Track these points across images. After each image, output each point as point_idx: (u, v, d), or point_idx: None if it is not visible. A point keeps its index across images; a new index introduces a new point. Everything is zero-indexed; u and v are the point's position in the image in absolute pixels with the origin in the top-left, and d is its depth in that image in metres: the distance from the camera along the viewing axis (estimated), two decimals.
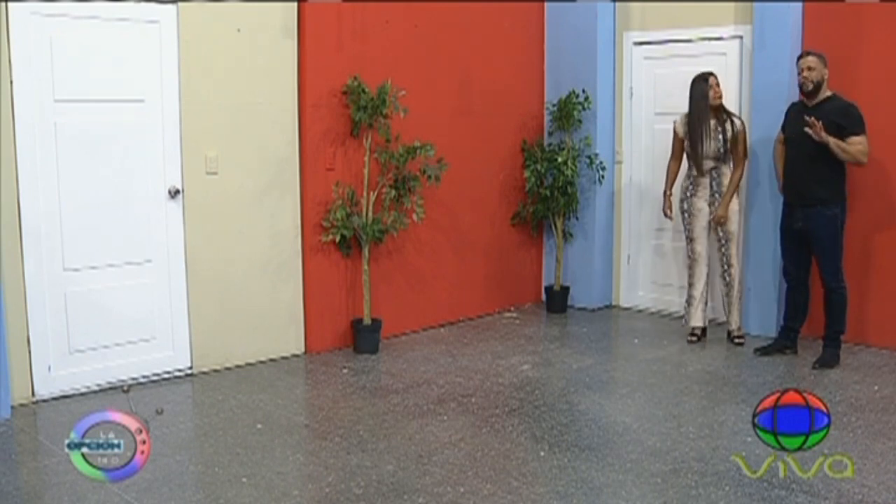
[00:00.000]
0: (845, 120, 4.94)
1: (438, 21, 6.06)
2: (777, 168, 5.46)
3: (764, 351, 5.44)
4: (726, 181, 5.59)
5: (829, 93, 5.06)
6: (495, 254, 6.70)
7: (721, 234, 5.67)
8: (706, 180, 5.66)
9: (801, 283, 5.34)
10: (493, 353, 5.59)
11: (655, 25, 6.48)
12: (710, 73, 5.56)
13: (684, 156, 5.76)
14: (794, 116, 5.15)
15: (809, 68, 4.98)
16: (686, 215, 5.80)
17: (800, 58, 5.10)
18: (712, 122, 5.56)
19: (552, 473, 3.69)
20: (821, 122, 4.86)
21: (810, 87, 4.99)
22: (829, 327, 5.23)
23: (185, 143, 4.95)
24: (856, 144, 4.93)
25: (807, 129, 4.89)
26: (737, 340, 5.68)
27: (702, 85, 5.53)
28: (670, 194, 5.86)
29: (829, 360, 5.19)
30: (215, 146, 5.06)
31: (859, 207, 5.51)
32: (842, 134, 4.92)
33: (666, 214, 5.91)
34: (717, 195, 5.63)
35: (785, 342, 5.43)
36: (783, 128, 5.34)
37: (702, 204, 5.70)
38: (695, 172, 5.69)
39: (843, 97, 5.07)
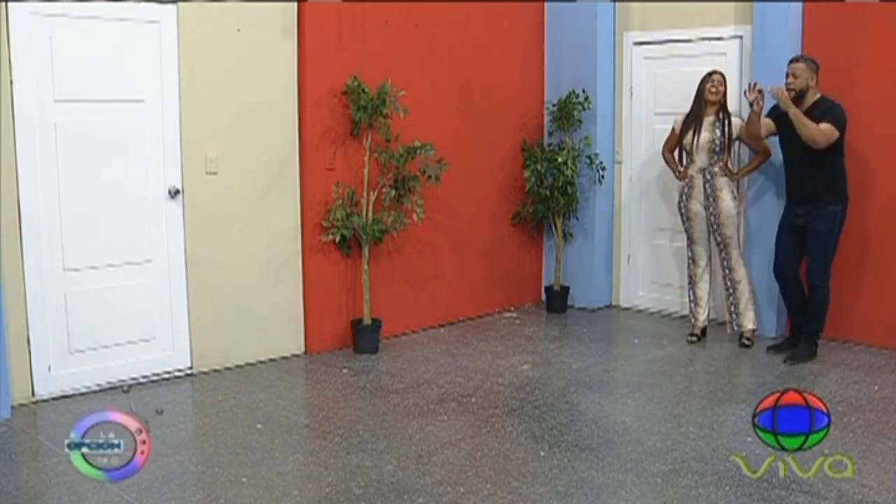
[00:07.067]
0: (822, 116, 4.99)
1: (438, 21, 6.06)
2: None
3: (777, 349, 5.46)
4: (720, 183, 5.60)
5: (817, 96, 5.11)
6: (495, 254, 6.70)
7: (719, 238, 5.67)
8: (700, 181, 5.66)
9: (793, 280, 5.38)
10: (493, 353, 5.59)
11: (655, 25, 6.48)
12: (716, 71, 5.59)
13: (678, 151, 5.81)
14: (788, 120, 5.10)
15: (794, 76, 5.06)
16: (684, 218, 5.82)
17: (790, 62, 5.16)
18: (710, 117, 5.59)
19: (552, 473, 3.69)
20: (786, 92, 5.04)
21: (793, 94, 5.06)
22: (806, 323, 5.34)
23: (185, 143, 4.95)
24: (819, 125, 4.96)
25: (771, 91, 5.06)
26: (745, 342, 5.64)
27: (704, 79, 5.59)
28: (682, 171, 5.79)
29: (801, 354, 5.29)
30: (215, 146, 5.06)
31: (860, 207, 5.51)
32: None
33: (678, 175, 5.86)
34: (711, 198, 5.63)
35: (796, 339, 5.45)
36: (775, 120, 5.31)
37: (697, 207, 5.71)
38: (687, 165, 5.71)
39: (831, 99, 5.10)
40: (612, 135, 6.75)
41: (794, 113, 4.99)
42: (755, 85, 5.23)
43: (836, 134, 4.99)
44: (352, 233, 5.40)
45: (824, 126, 4.97)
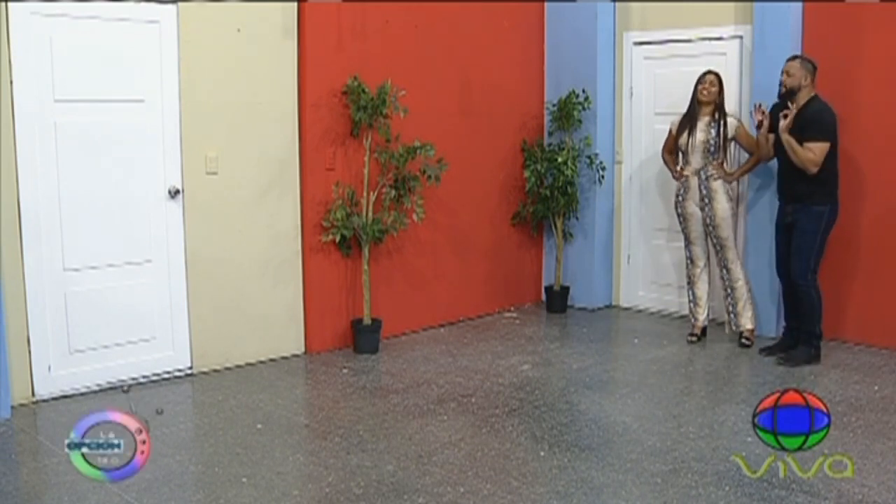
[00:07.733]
0: (809, 124, 5.00)
1: (438, 21, 6.06)
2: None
3: (769, 351, 5.44)
4: (715, 185, 5.60)
5: (811, 95, 5.11)
6: (495, 254, 6.70)
7: (715, 239, 5.68)
8: (695, 182, 5.67)
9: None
10: (493, 353, 5.59)
11: (655, 25, 6.48)
12: (710, 71, 5.59)
13: (675, 151, 5.83)
14: (779, 117, 5.16)
15: (788, 74, 5.09)
16: (680, 219, 5.82)
17: (787, 60, 5.17)
18: (706, 118, 5.59)
19: (552, 473, 3.70)
20: (791, 116, 4.99)
21: (784, 91, 5.10)
22: (801, 325, 5.33)
23: (185, 143, 4.95)
24: (807, 151, 4.98)
25: (781, 114, 5.03)
26: (745, 342, 5.65)
27: (698, 80, 5.59)
28: (679, 171, 5.79)
29: (797, 357, 5.26)
30: (215, 146, 5.06)
31: (859, 207, 5.52)
32: (802, 136, 4.99)
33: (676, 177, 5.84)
34: (706, 199, 5.63)
35: (789, 341, 5.43)
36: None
37: (693, 208, 5.71)
38: (683, 166, 5.72)
39: (823, 101, 5.10)
40: (612, 135, 6.75)
41: (787, 140, 5.00)
42: (760, 105, 5.29)
43: (827, 149, 4.99)
44: (352, 233, 5.40)
45: (815, 148, 4.96)
